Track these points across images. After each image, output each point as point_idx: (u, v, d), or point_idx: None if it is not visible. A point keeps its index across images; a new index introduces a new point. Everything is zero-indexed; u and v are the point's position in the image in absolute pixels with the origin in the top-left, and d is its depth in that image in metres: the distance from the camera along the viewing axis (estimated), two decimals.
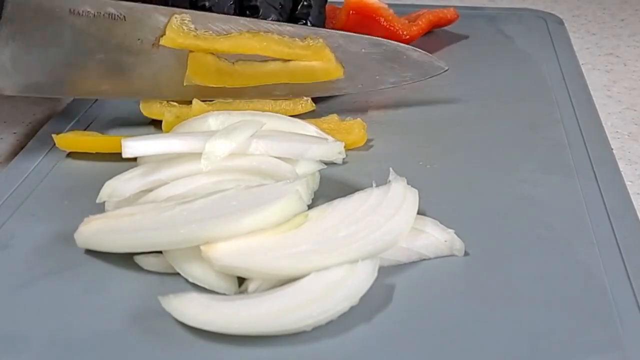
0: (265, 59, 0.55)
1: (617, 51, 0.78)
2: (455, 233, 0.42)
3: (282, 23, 0.56)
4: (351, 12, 0.66)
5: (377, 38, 0.58)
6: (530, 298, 0.39)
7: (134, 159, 0.48)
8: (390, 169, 0.44)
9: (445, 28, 0.75)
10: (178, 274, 0.40)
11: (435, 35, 0.74)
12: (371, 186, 0.42)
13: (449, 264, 0.42)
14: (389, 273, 0.41)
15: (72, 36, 0.52)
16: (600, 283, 0.40)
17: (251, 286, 0.38)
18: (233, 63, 0.54)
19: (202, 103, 0.54)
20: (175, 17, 0.53)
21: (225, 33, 0.54)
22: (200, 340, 0.36)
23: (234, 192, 0.41)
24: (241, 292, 0.39)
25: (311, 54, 0.55)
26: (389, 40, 0.58)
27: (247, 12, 0.58)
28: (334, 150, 0.49)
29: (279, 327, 0.36)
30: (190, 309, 0.37)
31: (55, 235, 0.44)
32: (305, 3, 0.60)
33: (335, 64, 0.56)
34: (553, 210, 0.46)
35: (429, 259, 0.42)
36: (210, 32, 0.54)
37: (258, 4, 0.58)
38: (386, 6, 0.67)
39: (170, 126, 0.53)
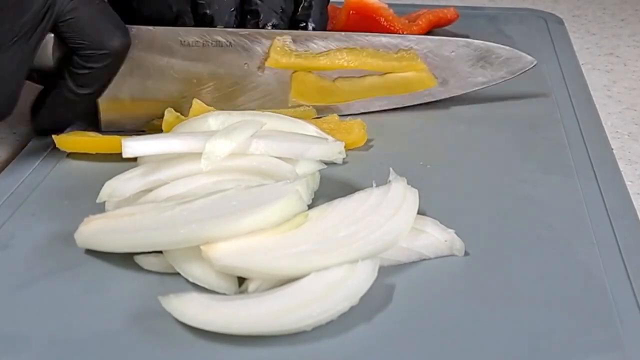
0: (362, 74, 0.56)
1: (617, 51, 0.78)
2: (455, 233, 0.42)
3: (374, 34, 0.57)
4: (351, 12, 0.66)
5: (465, 39, 0.58)
6: (530, 298, 0.39)
7: (134, 159, 0.48)
8: (390, 169, 0.44)
9: (445, 28, 0.75)
10: (178, 274, 0.40)
11: (435, 35, 0.74)
12: (371, 186, 0.42)
13: (449, 264, 0.42)
14: (389, 273, 0.41)
15: (183, 66, 0.54)
16: (600, 283, 0.40)
17: (251, 286, 0.38)
18: (333, 80, 0.56)
19: (202, 103, 0.54)
20: (278, 39, 0.55)
21: (324, 50, 0.56)
22: (200, 340, 0.36)
23: (234, 192, 0.41)
24: (241, 292, 0.39)
25: (406, 65, 0.56)
26: (477, 40, 0.58)
27: (248, 16, 0.58)
28: (334, 150, 0.49)
29: (279, 327, 0.36)
30: (190, 309, 0.37)
31: (55, 235, 0.44)
32: (305, 4, 0.60)
33: (429, 73, 0.57)
34: (553, 210, 0.46)
35: (429, 259, 0.42)
36: (310, 51, 0.55)
37: (259, 8, 0.58)
38: (386, 6, 0.67)
39: (170, 126, 0.53)
